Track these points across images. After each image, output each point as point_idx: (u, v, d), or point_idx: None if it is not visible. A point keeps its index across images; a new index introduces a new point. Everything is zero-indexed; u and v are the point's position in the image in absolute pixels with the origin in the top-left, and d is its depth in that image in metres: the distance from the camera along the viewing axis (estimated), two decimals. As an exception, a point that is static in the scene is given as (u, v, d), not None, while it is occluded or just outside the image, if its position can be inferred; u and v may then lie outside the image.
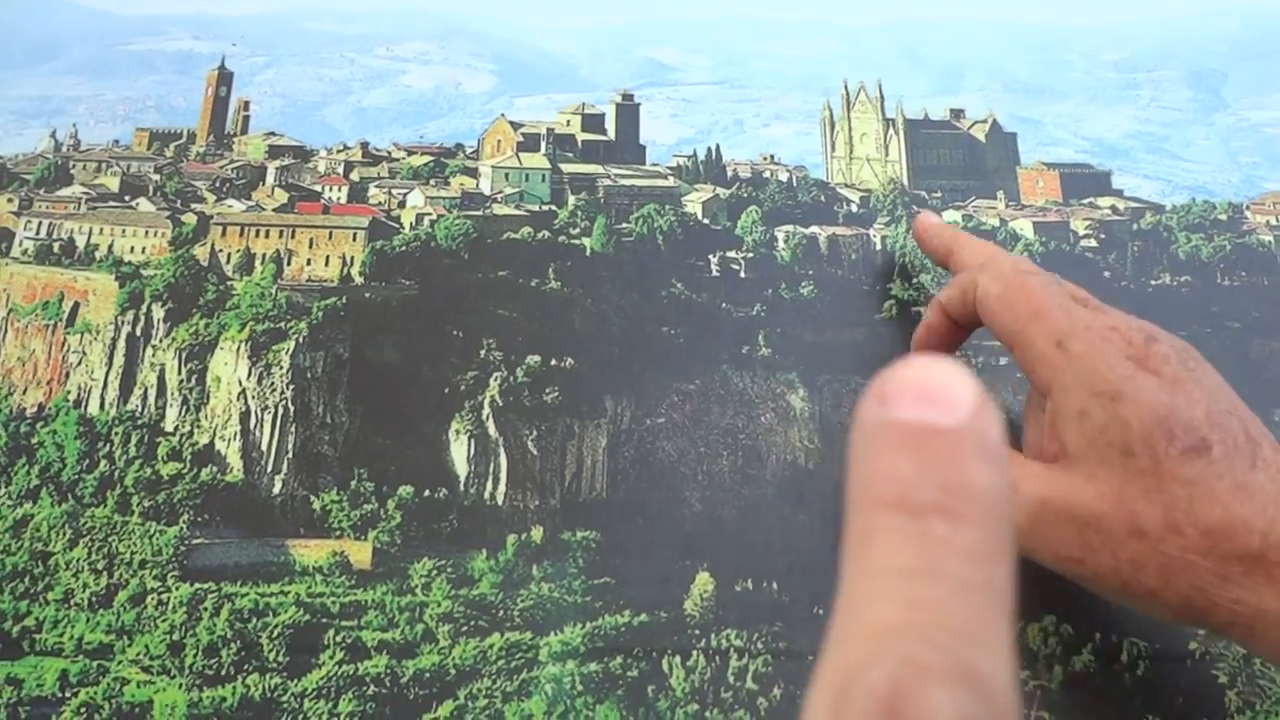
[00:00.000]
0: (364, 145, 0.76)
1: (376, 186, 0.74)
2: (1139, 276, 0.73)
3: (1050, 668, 0.62)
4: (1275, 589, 0.42)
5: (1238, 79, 0.79)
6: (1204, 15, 0.80)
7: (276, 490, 0.66)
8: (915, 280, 0.72)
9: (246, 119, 0.75)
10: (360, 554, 0.65)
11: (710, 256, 0.72)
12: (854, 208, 0.75)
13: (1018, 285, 0.52)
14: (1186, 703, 0.61)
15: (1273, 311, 0.70)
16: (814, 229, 0.73)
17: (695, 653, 0.62)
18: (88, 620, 0.62)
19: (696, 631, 0.63)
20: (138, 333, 0.70)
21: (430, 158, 0.75)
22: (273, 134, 0.76)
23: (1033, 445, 0.56)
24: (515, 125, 0.77)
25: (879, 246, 0.73)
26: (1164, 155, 0.77)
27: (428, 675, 0.61)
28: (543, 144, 0.76)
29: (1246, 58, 0.80)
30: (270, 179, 0.75)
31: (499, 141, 0.76)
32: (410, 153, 0.75)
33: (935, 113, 0.78)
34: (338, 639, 0.62)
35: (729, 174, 0.75)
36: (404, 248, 0.72)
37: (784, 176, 0.76)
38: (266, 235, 0.73)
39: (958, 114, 0.78)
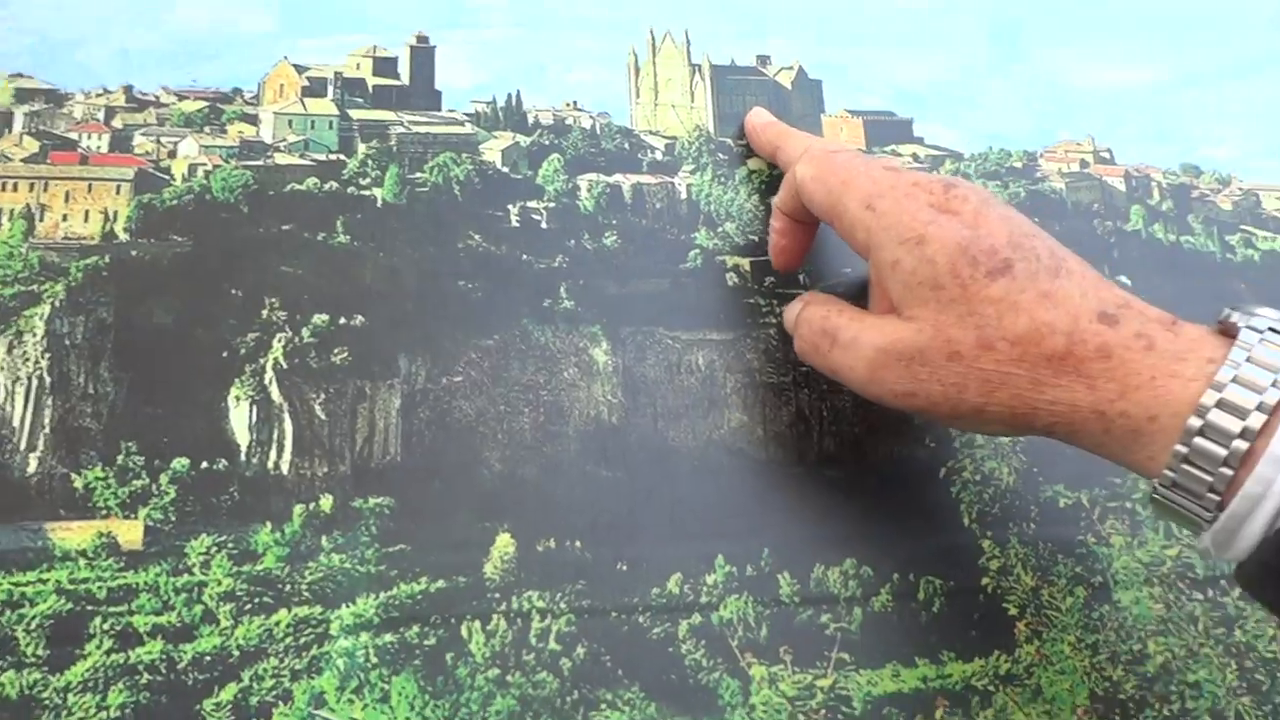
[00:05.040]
0: (128, 89, 0.69)
1: (143, 135, 0.68)
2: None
3: (850, 610, 0.63)
4: (1084, 383, 0.45)
5: (1033, 29, 0.81)
6: (1002, -36, 0.81)
7: (32, 469, 0.60)
8: (720, 229, 0.71)
9: (-11, 59, 0.68)
10: (130, 534, 0.60)
11: (510, 207, 0.69)
12: (659, 155, 0.73)
13: (827, 163, 0.55)
14: (980, 635, 0.63)
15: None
16: (618, 177, 0.71)
17: (496, 616, 0.60)
18: None
19: (497, 595, 0.61)
20: None
21: (204, 103, 0.69)
22: (19, 75, 0.68)
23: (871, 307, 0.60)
24: (300, 69, 0.71)
25: (684, 195, 0.72)
26: (963, 104, 0.78)
27: (208, 658, 0.58)
28: (330, 89, 0.71)
29: (1042, 8, 0.82)
30: (18, 126, 0.67)
31: (281, 86, 0.70)
32: (181, 97, 0.69)
33: (743, 59, 0.77)
34: (105, 627, 0.57)
35: (530, 121, 0.72)
36: (175, 202, 0.66)
37: (587, 123, 0.73)
38: (15, 189, 0.65)
39: (764, 60, 0.77)
